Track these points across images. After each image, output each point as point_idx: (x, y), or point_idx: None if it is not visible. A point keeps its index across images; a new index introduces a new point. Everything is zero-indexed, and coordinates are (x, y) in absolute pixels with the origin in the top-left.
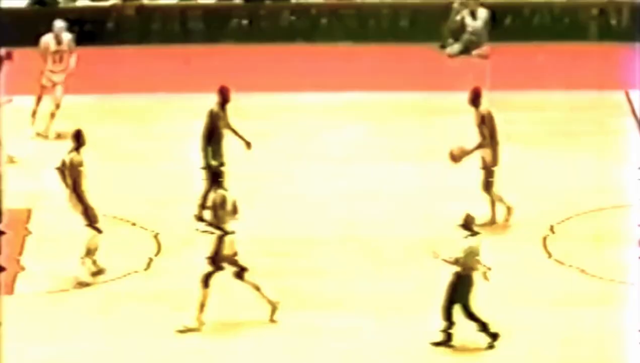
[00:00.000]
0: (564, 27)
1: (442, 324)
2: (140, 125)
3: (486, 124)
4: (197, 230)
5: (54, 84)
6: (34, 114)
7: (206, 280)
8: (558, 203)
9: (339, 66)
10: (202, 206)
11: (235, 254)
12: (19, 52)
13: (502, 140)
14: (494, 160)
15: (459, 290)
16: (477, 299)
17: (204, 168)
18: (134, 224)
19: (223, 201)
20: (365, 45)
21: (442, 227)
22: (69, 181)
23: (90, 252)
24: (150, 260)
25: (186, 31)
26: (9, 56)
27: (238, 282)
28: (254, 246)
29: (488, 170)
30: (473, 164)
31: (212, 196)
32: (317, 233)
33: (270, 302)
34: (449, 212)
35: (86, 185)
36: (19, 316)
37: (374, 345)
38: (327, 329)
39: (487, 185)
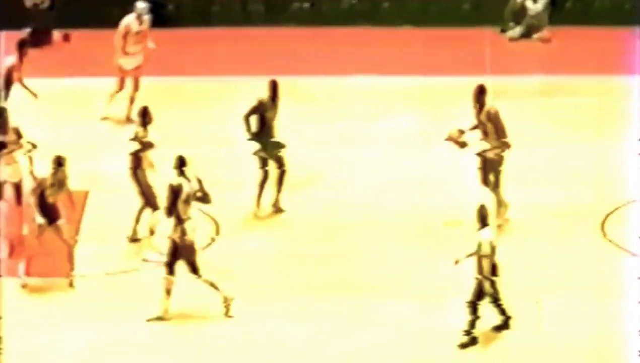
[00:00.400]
0: (625, 11)
1: (468, 320)
2: (201, 107)
3: (492, 121)
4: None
5: (134, 66)
6: (112, 96)
7: (170, 266)
8: (612, 190)
9: (399, 50)
10: (259, 196)
11: (192, 245)
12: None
13: (555, 126)
14: (500, 158)
15: (486, 284)
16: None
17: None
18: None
19: (179, 189)
20: (427, 28)
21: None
22: (131, 158)
23: (152, 232)
24: (209, 242)
25: (247, 14)
26: (66, 38)
27: (193, 277)
28: (313, 230)
29: (487, 165)
30: (537, 151)
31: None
32: (374, 218)
33: (224, 298)
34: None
35: (149, 164)
36: (77, 297)
37: (429, 331)
38: (383, 314)
39: (497, 184)
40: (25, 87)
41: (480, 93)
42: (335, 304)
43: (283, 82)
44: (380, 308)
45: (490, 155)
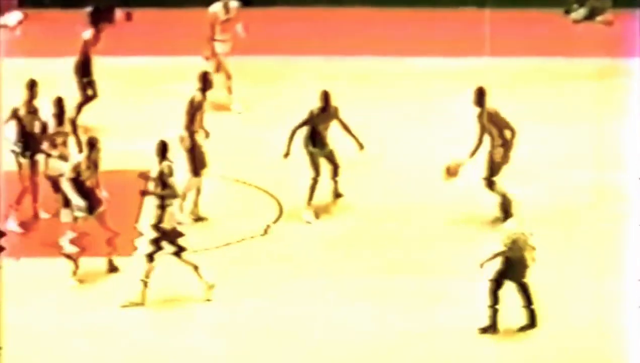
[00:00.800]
0: None
1: (488, 310)
2: (268, 87)
3: (494, 123)
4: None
5: (222, 54)
6: (229, 90)
7: (150, 255)
8: None
9: (464, 31)
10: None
11: (174, 230)
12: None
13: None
14: (506, 158)
15: (509, 273)
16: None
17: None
18: (257, 188)
19: (170, 172)
20: (491, 10)
21: (568, 196)
22: (186, 118)
23: (184, 197)
24: (269, 225)
25: None
26: (128, 17)
27: (176, 260)
28: (377, 213)
29: (494, 168)
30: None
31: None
32: (435, 199)
33: (206, 283)
34: (575, 179)
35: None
36: (138, 277)
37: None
38: (447, 292)
39: (491, 184)
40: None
41: (480, 95)
42: (398, 284)
43: (344, 62)
44: (443, 287)
45: (497, 158)
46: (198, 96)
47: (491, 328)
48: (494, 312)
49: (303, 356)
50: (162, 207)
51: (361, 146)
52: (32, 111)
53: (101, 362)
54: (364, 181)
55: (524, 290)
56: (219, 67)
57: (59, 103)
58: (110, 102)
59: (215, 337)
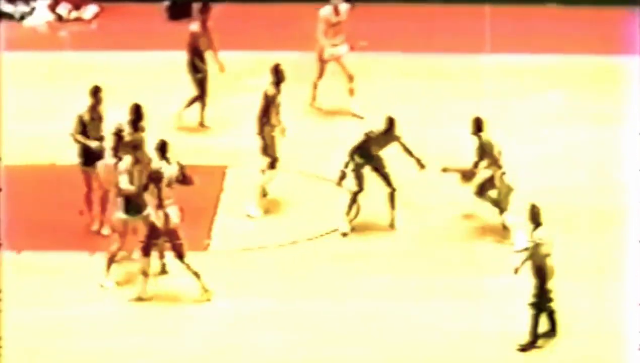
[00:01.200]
0: None
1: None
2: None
3: (487, 152)
4: None
5: (336, 58)
6: (315, 87)
7: (145, 249)
8: None
9: (542, 28)
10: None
11: (176, 230)
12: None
13: None
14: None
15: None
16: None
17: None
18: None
19: (160, 173)
20: (567, 7)
21: (631, 198)
22: (259, 110)
23: (264, 194)
24: (349, 220)
25: None
26: (206, 10)
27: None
28: (450, 207)
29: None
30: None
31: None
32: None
33: (203, 289)
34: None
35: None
36: (212, 272)
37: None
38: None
39: (482, 190)
40: (215, 52)
41: (478, 127)
42: (471, 283)
43: (419, 59)
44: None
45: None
46: (271, 90)
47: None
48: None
49: (378, 352)
50: (162, 206)
51: (422, 166)
52: (97, 118)
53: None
54: (437, 180)
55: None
56: (322, 73)
57: (137, 110)
58: (188, 95)
59: (294, 333)
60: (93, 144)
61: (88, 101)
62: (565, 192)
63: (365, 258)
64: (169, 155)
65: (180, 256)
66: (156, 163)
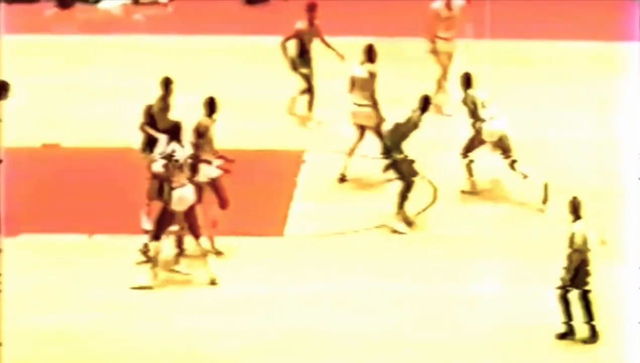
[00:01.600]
0: None
1: (562, 316)
2: (414, 69)
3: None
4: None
5: (446, 54)
6: (439, 85)
7: (157, 233)
8: None
9: (612, 16)
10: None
11: (189, 211)
12: None
13: None
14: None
15: (579, 276)
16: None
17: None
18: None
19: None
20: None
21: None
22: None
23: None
24: (425, 207)
25: None
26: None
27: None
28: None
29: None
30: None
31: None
32: (574, 181)
33: (210, 277)
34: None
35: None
36: (288, 258)
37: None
38: None
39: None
40: (330, 47)
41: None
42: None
43: (495, 44)
44: None
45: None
46: (374, 69)
47: (569, 334)
48: (569, 317)
49: (467, 337)
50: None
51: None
52: (165, 108)
53: None
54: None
55: (586, 302)
56: (445, 72)
57: (211, 102)
58: (279, 80)
59: (376, 315)
60: (160, 136)
61: (158, 90)
62: (570, 174)
63: (445, 242)
64: (182, 137)
65: (195, 236)
66: (170, 145)
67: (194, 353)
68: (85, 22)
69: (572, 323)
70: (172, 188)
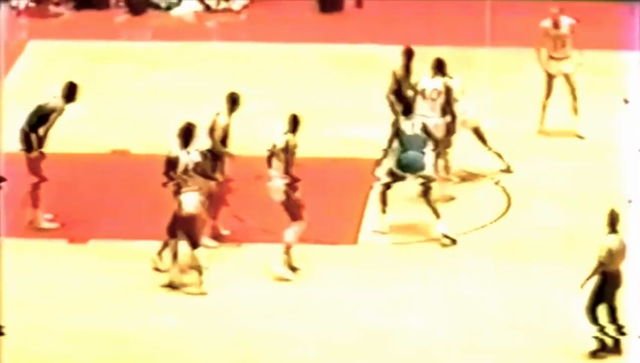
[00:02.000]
0: None
1: (593, 329)
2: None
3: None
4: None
5: (565, 74)
6: (544, 108)
7: (171, 229)
8: None
9: None
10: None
11: (191, 218)
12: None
13: None
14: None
15: (606, 290)
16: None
17: None
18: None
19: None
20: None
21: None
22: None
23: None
24: (500, 215)
25: None
26: (359, 4)
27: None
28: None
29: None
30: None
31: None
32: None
33: (200, 287)
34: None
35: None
36: (362, 265)
37: None
38: None
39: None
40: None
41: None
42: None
43: None
44: None
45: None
46: (449, 82)
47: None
48: (601, 331)
49: (538, 341)
50: (178, 193)
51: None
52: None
53: None
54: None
55: (614, 317)
56: (550, 87)
57: (294, 120)
58: (353, 87)
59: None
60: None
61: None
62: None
63: (517, 249)
64: (190, 143)
65: (193, 245)
66: (174, 151)
67: (270, 358)
68: (158, 29)
69: (602, 337)
70: (179, 192)
